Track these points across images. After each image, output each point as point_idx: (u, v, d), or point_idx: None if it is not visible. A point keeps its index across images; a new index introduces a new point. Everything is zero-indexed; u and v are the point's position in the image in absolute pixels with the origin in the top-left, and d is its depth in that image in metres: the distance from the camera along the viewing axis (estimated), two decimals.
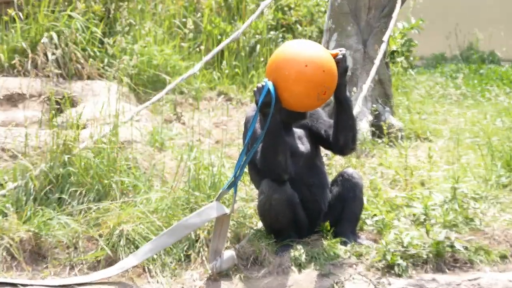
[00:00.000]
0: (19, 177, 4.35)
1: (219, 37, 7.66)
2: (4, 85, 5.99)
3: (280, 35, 7.86)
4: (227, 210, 3.82)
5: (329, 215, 4.08)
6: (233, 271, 3.82)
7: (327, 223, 4.06)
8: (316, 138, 4.10)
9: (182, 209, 4.18)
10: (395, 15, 5.73)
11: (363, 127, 5.83)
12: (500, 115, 6.74)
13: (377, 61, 5.45)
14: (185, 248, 3.97)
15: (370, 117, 6.01)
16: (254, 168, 3.99)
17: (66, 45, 6.33)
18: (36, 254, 3.96)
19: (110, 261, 3.90)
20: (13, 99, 5.96)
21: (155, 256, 3.87)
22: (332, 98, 3.91)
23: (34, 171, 4.33)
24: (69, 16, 6.50)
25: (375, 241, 4.09)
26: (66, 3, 6.65)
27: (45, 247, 3.95)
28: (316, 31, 7.98)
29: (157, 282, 3.80)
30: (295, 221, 3.96)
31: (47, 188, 4.29)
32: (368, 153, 5.63)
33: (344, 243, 3.98)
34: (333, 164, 5.10)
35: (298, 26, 8.04)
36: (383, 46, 5.54)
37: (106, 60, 6.55)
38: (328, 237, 4.01)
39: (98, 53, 6.58)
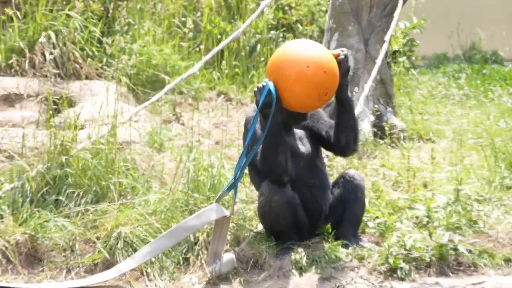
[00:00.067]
0: (15, 178, 4.33)
1: (219, 36, 7.64)
2: (1, 85, 5.97)
3: (281, 35, 7.83)
4: (227, 212, 3.80)
5: (330, 217, 4.06)
6: (232, 275, 3.80)
7: (328, 226, 4.04)
8: (317, 139, 4.08)
9: (181, 211, 4.16)
10: (396, 14, 5.71)
11: (365, 127, 5.81)
12: (504, 116, 6.74)
13: (378, 61, 5.44)
14: (184, 251, 3.95)
15: (372, 118, 6.00)
16: (254, 170, 3.97)
17: (64, 44, 6.30)
18: (32, 257, 3.94)
19: (108, 264, 3.87)
20: (10, 99, 5.94)
21: (153, 259, 3.85)
22: (333, 98, 3.89)
23: (31, 172, 4.31)
24: (67, 15, 6.47)
25: (377, 244, 4.07)
26: (64, 2, 6.62)
27: (41, 250, 3.94)
28: (317, 30, 7.95)
29: (155, 285, 3.79)
30: (296, 223, 3.94)
31: (44, 189, 4.28)
32: (370, 154, 5.61)
33: (345, 246, 3.96)
34: (334, 165, 5.09)
35: (299, 25, 8.02)
36: (385, 46, 5.52)
37: (104, 60, 6.53)
38: (329, 240, 4.00)
39: (96, 53, 6.55)
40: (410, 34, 8.30)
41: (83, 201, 4.26)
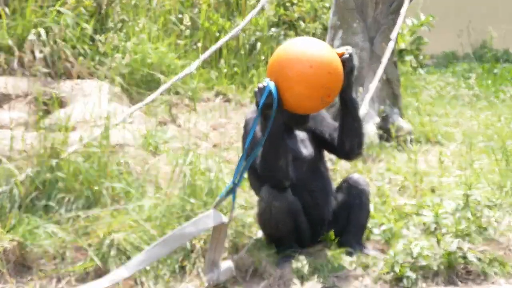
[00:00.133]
0: (3, 183, 4.32)
1: (217, 34, 7.65)
2: None
3: (282, 32, 7.85)
4: (225, 219, 3.80)
5: (334, 223, 4.07)
6: (231, 284, 3.80)
7: (331, 232, 4.05)
8: (320, 142, 4.09)
9: (177, 217, 4.17)
10: (403, 11, 5.73)
11: (370, 130, 5.82)
12: None
13: (384, 60, 5.45)
14: (180, 259, 3.95)
15: (378, 119, 6.01)
16: (254, 174, 3.98)
17: (55, 42, 6.31)
18: (21, 265, 3.94)
19: (100, 273, 3.87)
20: None
21: (148, 268, 3.85)
22: (337, 99, 3.89)
23: (20, 176, 4.31)
24: (58, 11, 6.49)
25: (383, 251, 4.08)
26: None
27: (30, 257, 3.93)
28: (320, 28, 7.97)
29: None
30: (297, 230, 3.96)
31: (33, 194, 4.27)
32: (375, 157, 5.63)
33: (349, 254, 3.97)
34: (338, 169, 5.10)
35: (301, 22, 8.03)
36: (391, 44, 5.53)
37: (97, 59, 6.54)
38: (332, 247, 4.01)
39: (88, 51, 6.56)
40: (418, 32, 8.34)
41: (74, 206, 4.26)
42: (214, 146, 5.81)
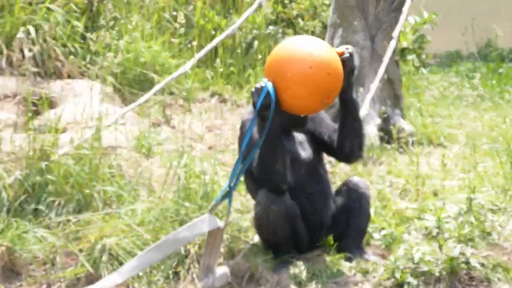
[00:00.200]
0: None
1: (213, 32, 7.66)
2: None
3: (280, 30, 7.87)
4: (221, 223, 3.81)
5: (333, 228, 4.08)
6: None
7: (330, 237, 4.06)
8: (319, 144, 4.10)
9: (171, 222, 4.17)
10: (406, 8, 5.74)
11: (371, 131, 5.84)
12: None
13: (386, 59, 5.46)
14: (173, 265, 3.96)
15: (378, 121, 6.02)
16: (251, 177, 3.98)
17: (45, 40, 6.32)
18: (10, 270, 3.94)
19: (91, 279, 3.87)
20: None
21: (141, 274, 3.86)
22: (336, 100, 3.91)
23: (8, 179, 4.32)
24: (48, 8, 6.50)
25: (383, 257, 4.09)
26: None
27: (19, 263, 3.94)
28: (320, 26, 7.99)
29: None
30: (295, 235, 3.96)
31: (22, 198, 4.28)
32: (376, 160, 5.64)
33: (348, 259, 3.98)
34: (337, 172, 5.11)
35: (300, 20, 8.05)
36: (393, 43, 5.54)
37: (88, 57, 6.55)
38: (331, 253, 4.01)
39: (79, 50, 6.58)
40: (421, 30, 8.36)
41: (64, 210, 4.26)
42: (210, 148, 5.82)
